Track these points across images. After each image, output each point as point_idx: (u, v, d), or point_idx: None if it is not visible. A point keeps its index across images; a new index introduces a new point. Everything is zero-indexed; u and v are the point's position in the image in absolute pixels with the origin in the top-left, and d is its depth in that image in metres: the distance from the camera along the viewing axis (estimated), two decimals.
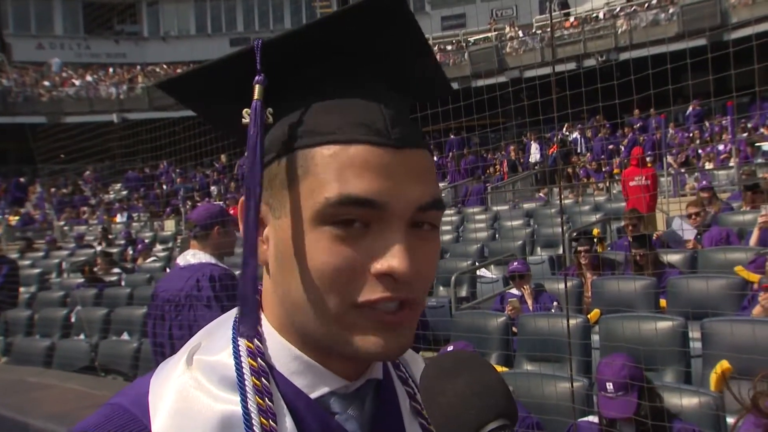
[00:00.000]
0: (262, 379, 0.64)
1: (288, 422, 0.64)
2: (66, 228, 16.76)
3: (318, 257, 0.61)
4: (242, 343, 0.66)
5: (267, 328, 0.68)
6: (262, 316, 0.69)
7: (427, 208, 0.64)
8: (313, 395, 0.66)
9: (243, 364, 0.65)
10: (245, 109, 0.64)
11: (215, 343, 0.68)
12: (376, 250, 0.61)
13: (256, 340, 0.67)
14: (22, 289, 9.20)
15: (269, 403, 0.63)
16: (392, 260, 0.60)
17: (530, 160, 15.52)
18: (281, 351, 0.67)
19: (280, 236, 0.65)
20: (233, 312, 0.72)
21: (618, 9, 21.13)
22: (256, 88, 0.63)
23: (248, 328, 0.64)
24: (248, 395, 0.63)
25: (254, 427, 0.62)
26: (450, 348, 3.35)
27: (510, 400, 0.61)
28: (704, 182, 8.95)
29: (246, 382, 0.64)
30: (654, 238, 6.31)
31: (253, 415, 0.62)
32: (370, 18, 0.64)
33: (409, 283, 0.62)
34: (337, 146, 0.62)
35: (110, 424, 0.64)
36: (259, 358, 0.66)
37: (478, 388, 0.60)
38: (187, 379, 0.65)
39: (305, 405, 0.65)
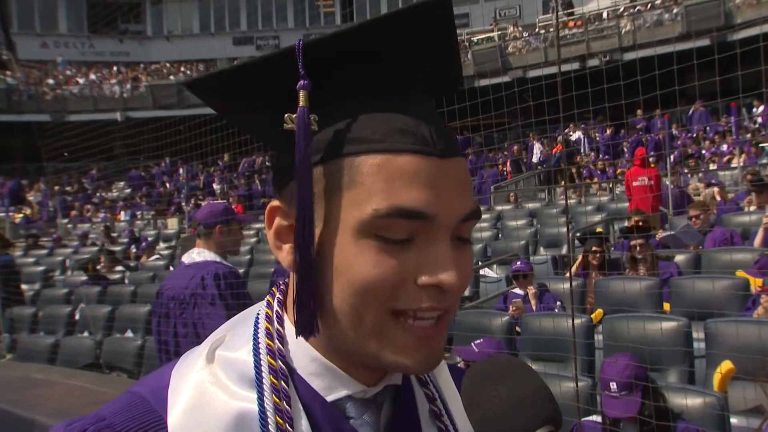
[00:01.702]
0: (280, 378, 0.64)
1: (304, 423, 0.63)
2: (70, 226, 16.82)
3: (362, 270, 0.60)
4: (262, 341, 0.66)
5: (289, 328, 0.68)
6: (285, 317, 0.69)
7: (467, 218, 0.63)
8: (330, 398, 0.66)
9: (262, 363, 0.65)
10: (287, 114, 0.61)
11: (237, 339, 0.68)
12: (424, 262, 0.60)
13: (277, 340, 0.67)
14: (25, 287, 9.24)
15: (286, 402, 0.63)
16: (442, 273, 0.60)
17: (533, 160, 15.51)
18: (301, 352, 0.67)
19: (316, 245, 0.63)
20: (256, 308, 0.72)
21: (622, 9, 21.08)
22: (301, 93, 0.61)
23: (305, 332, 0.63)
24: (265, 394, 0.63)
25: (269, 426, 0.62)
26: (480, 341, 3.37)
27: (554, 405, 0.61)
28: (713, 180, 8.96)
29: (264, 381, 0.64)
30: (656, 239, 6.31)
31: (269, 414, 0.62)
32: (415, 24, 0.62)
33: (454, 293, 0.62)
34: (384, 155, 0.60)
35: (128, 413, 0.64)
36: (278, 358, 0.65)
37: (523, 394, 0.60)
38: (206, 374, 0.65)
39: (320, 407, 0.65)
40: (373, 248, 0.60)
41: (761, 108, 15.00)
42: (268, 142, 0.75)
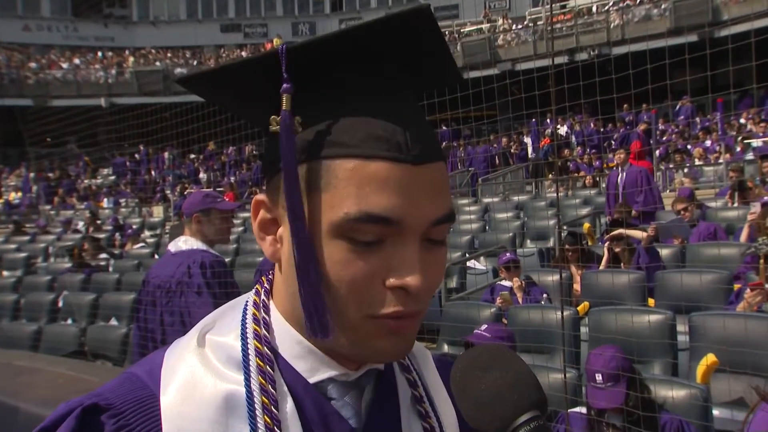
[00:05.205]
0: (266, 361, 0.67)
1: (289, 404, 0.66)
2: (52, 212, 16.62)
3: (334, 269, 0.63)
4: (250, 326, 0.70)
5: (274, 313, 0.71)
6: (271, 304, 0.72)
7: (439, 222, 0.65)
8: (312, 380, 0.68)
9: (249, 347, 0.68)
10: (273, 117, 0.64)
11: (225, 324, 0.72)
12: (391, 264, 0.63)
13: (263, 326, 0.70)
14: (7, 273, 9.12)
15: (271, 384, 0.66)
16: (407, 276, 0.62)
17: (529, 155, 15.53)
18: (286, 336, 0.70)
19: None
20: (245, 297, 0.75)
21: (611, 3, 21.16)
22: (284, 97, 0.63)
23: (318, 331, 0.64)
24: (252, 376, 0.66)
25: (256, 406, 0.65)
26: (484, 327, 3.42)
27: (540, 390, 0.63)
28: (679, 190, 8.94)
29: (250, 364, 0.67)
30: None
31: (255, 394, 0.65)
32: (399, 30, 0.65)
33: (420, 295, 0.64)
34: (359, 160, 0.62)
35: (122, 388, 0.68)
36: (264, 342, 0.68)
37: (511, 380, 0.63)
38: (197, 355, 0.69)
39: (303, 388, 0.68)
40: (343, 249, 0.62)
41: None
42: (262, 128, 0.77)
